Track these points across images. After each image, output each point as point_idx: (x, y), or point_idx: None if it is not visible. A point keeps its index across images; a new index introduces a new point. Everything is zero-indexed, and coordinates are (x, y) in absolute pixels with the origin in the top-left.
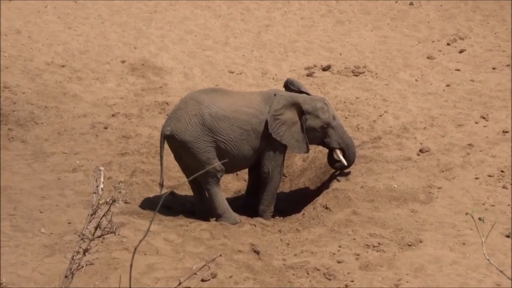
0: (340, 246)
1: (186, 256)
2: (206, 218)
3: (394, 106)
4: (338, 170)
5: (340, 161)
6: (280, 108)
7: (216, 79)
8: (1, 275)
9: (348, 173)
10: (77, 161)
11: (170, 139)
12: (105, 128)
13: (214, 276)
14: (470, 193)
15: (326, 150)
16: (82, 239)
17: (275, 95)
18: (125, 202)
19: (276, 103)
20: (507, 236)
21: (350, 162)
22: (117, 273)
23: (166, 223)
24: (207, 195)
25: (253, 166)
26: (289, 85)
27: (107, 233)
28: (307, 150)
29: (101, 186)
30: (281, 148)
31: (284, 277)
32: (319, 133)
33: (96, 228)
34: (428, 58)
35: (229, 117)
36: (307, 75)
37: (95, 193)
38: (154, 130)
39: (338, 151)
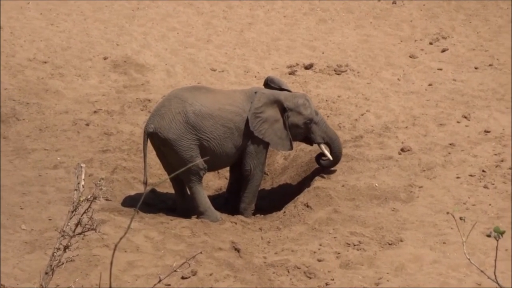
0: (320, 245)
1: (167, 254)
2: (187, 216)
3: (376, 105)
4: (327, 168)
5: (327, 158)
6: (261, 106)
7: (198, 76)
8: None
9: (330, 171)
10: (58, 158)
11: (153, 136)
12: (87, 125)
13: (194, 273)
14: (451, 192)
15: (307, 149)
16: (62, 235)
17: (255, 93)
18: (106, 199)
19: (256, 101)
20: (488, 236)
21: (337, 156)
22: (98, 270)
23: (146, 220)
24: (189, 193)
25: (234, 164)
26: (269, 83)
27: (88, 230)
28: (291, 147)
29: (82, 183)
30: (263, 146)
31: (264, 275)
32: (302, 129)
33: (76, 225)
34: (410, 57)
35: (213, 115)
36: (290, 74)
37: (76, 190)
38: (136, 127)
39: (323, 146)
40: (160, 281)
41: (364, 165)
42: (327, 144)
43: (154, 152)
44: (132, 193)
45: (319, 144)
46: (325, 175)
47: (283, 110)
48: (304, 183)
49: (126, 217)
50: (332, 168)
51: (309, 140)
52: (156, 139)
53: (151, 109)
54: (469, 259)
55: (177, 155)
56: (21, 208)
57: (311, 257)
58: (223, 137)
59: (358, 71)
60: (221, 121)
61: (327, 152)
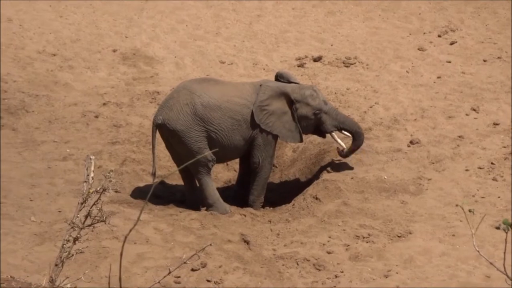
0: (330, 237)
1: (176, 246)
2: (196, 208)
3: (385, 97)
4: (348, 155)
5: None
6: (266, 99)
7: (207, 69)
8: None
9: (339, 164)
10: (68, 150)
11: (161, 128)
12: (96, 117)
13: (203, 265)
14: (460, 185)
15: (316, 141)
16: (72, 227)
17: (261, 85)
18: (115, 191)
19: (261, 93)
20: (497, 228)
21: (357, 132)
22: (107, 262)
23: (156, 212)
24: (198, 185)
25: (244, 156)
26: (279, 78)
27: (97, 222)
28: (301, 139)
29: (92, 175)
30: (272, 139)
31: (273, 267)
32: (312, 120)
33: (86, 217)
34: (419, 49)
35: (220, 107)
36: (298, 66)
37: (85, 181)
38: (145, 119)
39: (334, 134)
40: (169, 273)
41: (373, 157)
42: (344, 129)
43: (163, 144)
44: (141, 185)
45: (331, 133)
46: (334, 168)
47: (291, 102)
48: (313, 175)
49: (136, 209)
50: (340, 162)
51: (321, 132)
52: (165, 131)
53: (160, 101)
54: (478, 251)
55: (185, 146)
56: (31, 200)
57: (320, 249)
58: (231, 129)
59: (367, 64)
60: (229, 113)
61: (339, 141)
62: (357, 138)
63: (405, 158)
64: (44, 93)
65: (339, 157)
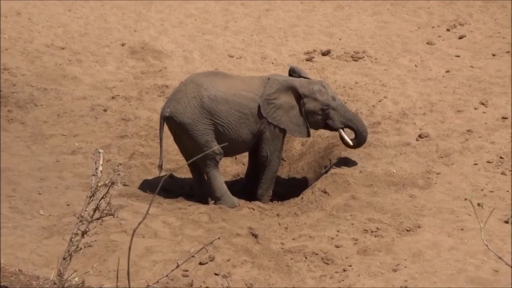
0: (338, 231)
1: (184, 239)
2: (205, 201)
3: (394, 91)
4: (354, 147)
5: (352, 139)
6: (274, 92)
7: (216, 63)
8: (0, 256)
9: (347, 158)
10: (76, 144)
11: (169, 120)
12: (105, 110)
13: (212, 259)
14: (469, 179)
15: (324, 135)
16: (80, 221)
17: (268, 79)
18: (124, 185)
19: (269, 87)
20: (506, 222)
21: (362, 134)
22: (115, 255)
23: (164, 206)
24: (206, 178)
25: (253, 150)
26: (291, 72)
27: (106, 216)
28: (308, 134)
29: (100, 168)
30: (280, 133)
31: (282, 261)
32: (320, 115)
33: (94, 210)
34: (427, 43)
35: (228, 100)
36: (307, 60)
37: (94, 175)
38: (154, 113)
39: (341, 131)
40: (178, 266)
41: (382, 151)
42: (350, 127)
43: (171, 138)
44: (150, 178)
45: (338, 129)
46: (342, 162)
47: (299, 96)
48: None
49: (144, 202)
50: (349, 155)
51: (329, 126)
52: (172, 124)
53: (168, 95)
54: (486, 245)
55: (193, 139)
56: (39, 194)
57: (328, 243)
58: (238, 122)
59: (376, 58)
60: (236, 106)
61: (346, 137)
62: (359, 140)
63: (414, 152)
64: (53, 86)
65: (348, 150)
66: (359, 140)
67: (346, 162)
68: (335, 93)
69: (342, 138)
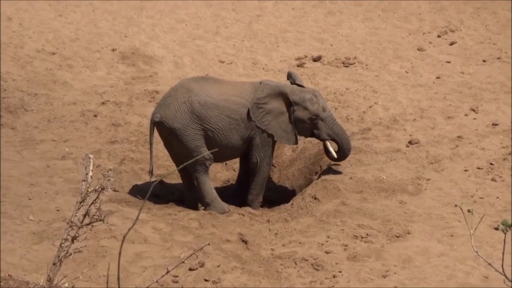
0: (328, 237)
1: (174, 245)
2: (195, 207)
3: (384, 97)
4: (334, 161)
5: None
6: (264, 97)
7: (207, 68)
8: None
9: (338, 164)
10: (67, 149)
11: (159, 126)
12: (95, 116)
13: (202, 265)
14: (459, 185)
15: (315, 141)
16: (70, 226)
17: (260, 83)
18: (114, 190)
19: (260, 91)
20: (496, 229)
21: (345, 152)
22: (105, 261)
23: (154, 211)
24: (196, 184)
25: (243, 155)
26: (288, 78)
27: (96, 221)
28: (296, 142)
29: (90, 173)
30: (270, 139)
31: (272, 267)
32: (308, 124)
33: (84, 216)
34: (418, 50)
35: (218, 105)
36: (298, 66)
37: (84, 180)
38: (144, 118)
39: (327, 143)
40: (167, 272)
41: (372, 157)
42: (335, 141)
43: (162, 143)
44: (140, 184)
45: (324, 140)
46: (332, 168)
47: (289, 103)
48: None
49: (134, 208)
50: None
51: (316, 136)
52: (162, 129)
53: (159, 100)
54: (476, 251)
55: (183, 144)
56: (29, 199)
57: (318, 249)
58: (228, 128)
59: (366, 64)
60: (226, 111)
61: (331, 149)
62: (340, 155)
63: (404, 158)
64: (43, 92)
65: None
66: (340, 155)
67: (336, 169)
68: (326, 104)
69: (326, 150)
